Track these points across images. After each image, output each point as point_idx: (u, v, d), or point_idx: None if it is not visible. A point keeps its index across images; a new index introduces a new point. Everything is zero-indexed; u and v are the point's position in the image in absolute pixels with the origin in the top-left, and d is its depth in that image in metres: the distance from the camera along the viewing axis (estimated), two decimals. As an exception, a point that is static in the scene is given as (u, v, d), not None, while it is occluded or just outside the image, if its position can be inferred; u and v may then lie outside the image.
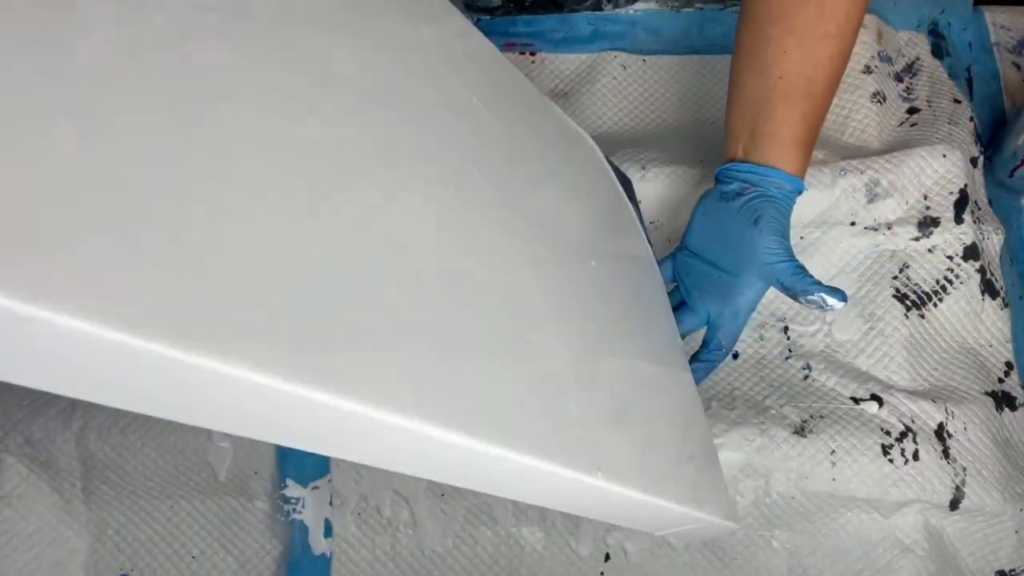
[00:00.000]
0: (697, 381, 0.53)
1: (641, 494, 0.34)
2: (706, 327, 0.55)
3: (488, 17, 0.75)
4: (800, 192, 0.53)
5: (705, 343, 0.55)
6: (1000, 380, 0.61)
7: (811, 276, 0.50)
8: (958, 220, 0.63)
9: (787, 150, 0.52)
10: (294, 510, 0.58)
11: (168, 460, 0.58)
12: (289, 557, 0.58)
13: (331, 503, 0.58)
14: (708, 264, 0.55)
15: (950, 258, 0.62)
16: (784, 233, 0.52)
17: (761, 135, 0.52)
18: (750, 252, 0.51)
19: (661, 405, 0.44)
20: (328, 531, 0.58)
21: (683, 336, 0.55)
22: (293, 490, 0.57)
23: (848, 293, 0.56)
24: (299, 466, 0.57)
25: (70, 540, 0.59)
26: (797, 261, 0.51)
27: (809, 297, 0.49)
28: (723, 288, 0.53)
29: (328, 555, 0.58)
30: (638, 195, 0.63)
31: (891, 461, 0.56)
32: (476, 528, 0.58)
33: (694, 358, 0.54)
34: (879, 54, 0.69)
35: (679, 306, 0.56)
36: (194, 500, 0.59)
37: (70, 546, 0.59)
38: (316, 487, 0.58)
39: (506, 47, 0.74)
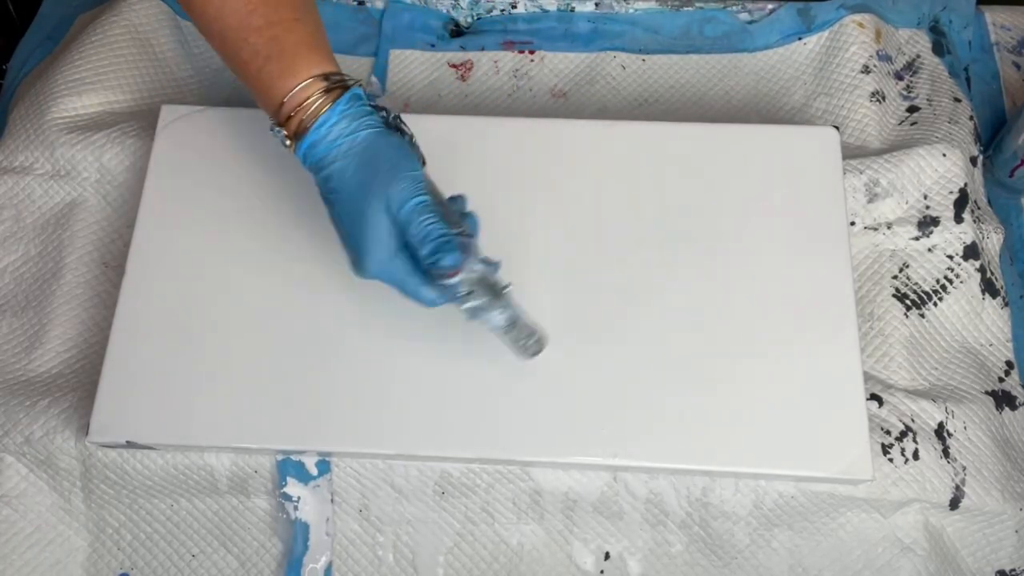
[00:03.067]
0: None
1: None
2: None
3: (487, 14, 0.75)
4: None
5: None
6: (1000, 379, 0.61)
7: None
8: (958, 219, 0.63)
9: None
10: (295, 508, 0.58)
11: (167, 459, 0.58)
12: (290, 555, 0.58)
13: (332, 501, 0.58)
14: None
15: (950, 257, 0.62)
16: None
17: None
18: None
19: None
20: (329, 529, 0.58)
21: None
22: (293, 488, 0.57)
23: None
24: (299, 464, 0.57)
25: (70, 539, 0.59)
26: None
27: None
28: None
29: (329, 553, 0.58)
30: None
31: (891, 460, 0.56)
32: (476, 527, 0.58)
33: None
34: (878, 53, 0.69)
35: None
36: (194, 499, 0.59)
37: (69, 545, 0.59)
38: (317, 485, 0.58)
39: (505, 45, 0.74)
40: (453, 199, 0.52)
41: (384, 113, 0.50)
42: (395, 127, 0.50)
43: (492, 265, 0.50)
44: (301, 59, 0.48)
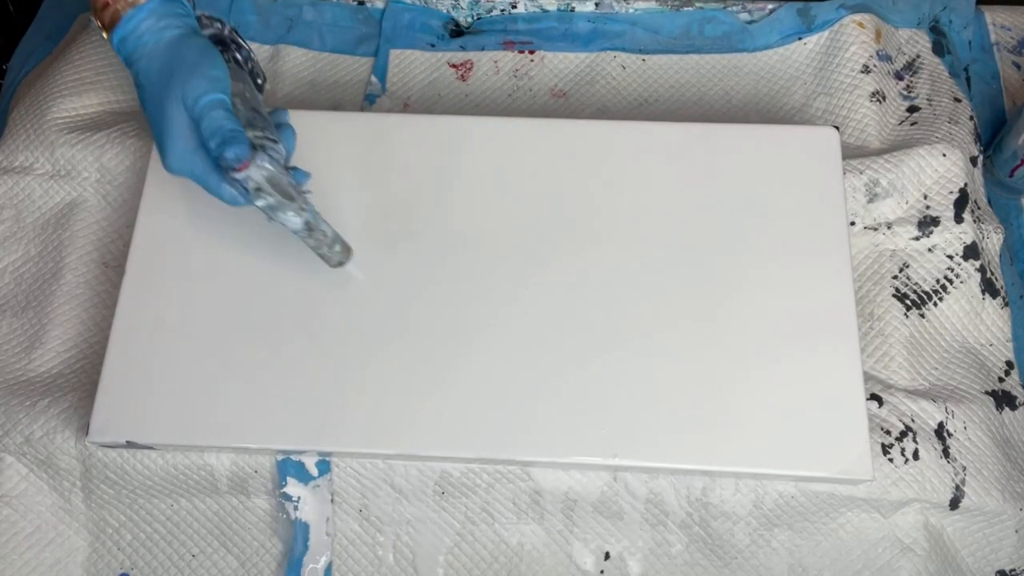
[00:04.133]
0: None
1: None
2: None
3: (487, 14, 0.75)
4: None
5: None
6: (1000, 379, 0.61)
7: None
8: (958, 219, 0.63)
9: None
10: (295, 508, 0.58)
11: (167, 459, 0.58)
12: (290, 555, 0.58)
13: (332, 501, 0.58)
14: None
15: (950, 257, 0.62)
16: None
17: None
18: None
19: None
20: (329, 529, 0.58)
21: None
22: (293, 488, 0.57)
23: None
24: (299, 464, 0.57)
25: (70, 539, 0.59)
26: None
27: None
28: None
29: (329, 553, 0.58)
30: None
31: (891, 460, 0.56)
32: (476, 527, 0.58)
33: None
34: (878, 53, 0.70)
35: None
36: (194, 499, 0.59)
37: (69, 545, 0.59)
38: (317, 485, 0.58)
39: (505, 45, 0.74)
40: (273, 111, 0.55)
41: (219, 25, 0.53)
42: (228, 41, 0.53)
43: (298, 172, 0.53)
44: None
